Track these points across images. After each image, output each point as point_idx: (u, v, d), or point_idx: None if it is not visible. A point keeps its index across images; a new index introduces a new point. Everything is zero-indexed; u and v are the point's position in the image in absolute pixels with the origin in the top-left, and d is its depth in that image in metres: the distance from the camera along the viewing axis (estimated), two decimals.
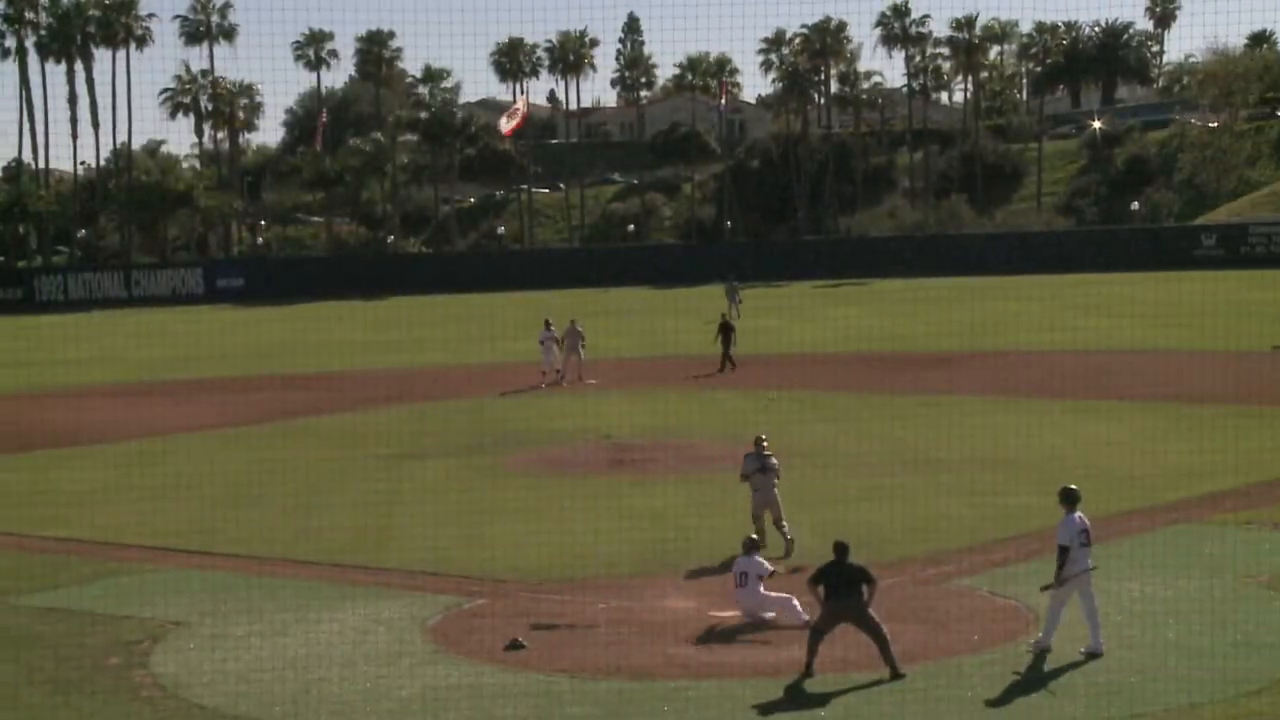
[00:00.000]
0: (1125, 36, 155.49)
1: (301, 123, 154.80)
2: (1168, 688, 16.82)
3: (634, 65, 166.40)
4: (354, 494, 30.27)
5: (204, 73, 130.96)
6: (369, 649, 19.36)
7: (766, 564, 20.40)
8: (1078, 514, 18.34)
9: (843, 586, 17.94)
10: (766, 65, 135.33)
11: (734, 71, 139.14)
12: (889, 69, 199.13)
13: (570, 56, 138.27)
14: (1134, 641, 18.51)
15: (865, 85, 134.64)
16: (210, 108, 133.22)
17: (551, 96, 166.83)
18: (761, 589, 20.05)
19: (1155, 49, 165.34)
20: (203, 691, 17.84)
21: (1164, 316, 52.39)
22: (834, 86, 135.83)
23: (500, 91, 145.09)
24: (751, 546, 20.61)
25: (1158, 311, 53.02)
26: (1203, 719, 15.91)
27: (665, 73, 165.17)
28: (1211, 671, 17.26)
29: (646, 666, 18.23)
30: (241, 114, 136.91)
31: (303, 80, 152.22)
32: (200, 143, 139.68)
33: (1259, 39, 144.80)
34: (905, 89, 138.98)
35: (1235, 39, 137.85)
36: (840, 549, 18.19)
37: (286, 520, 27.48)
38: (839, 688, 17.26)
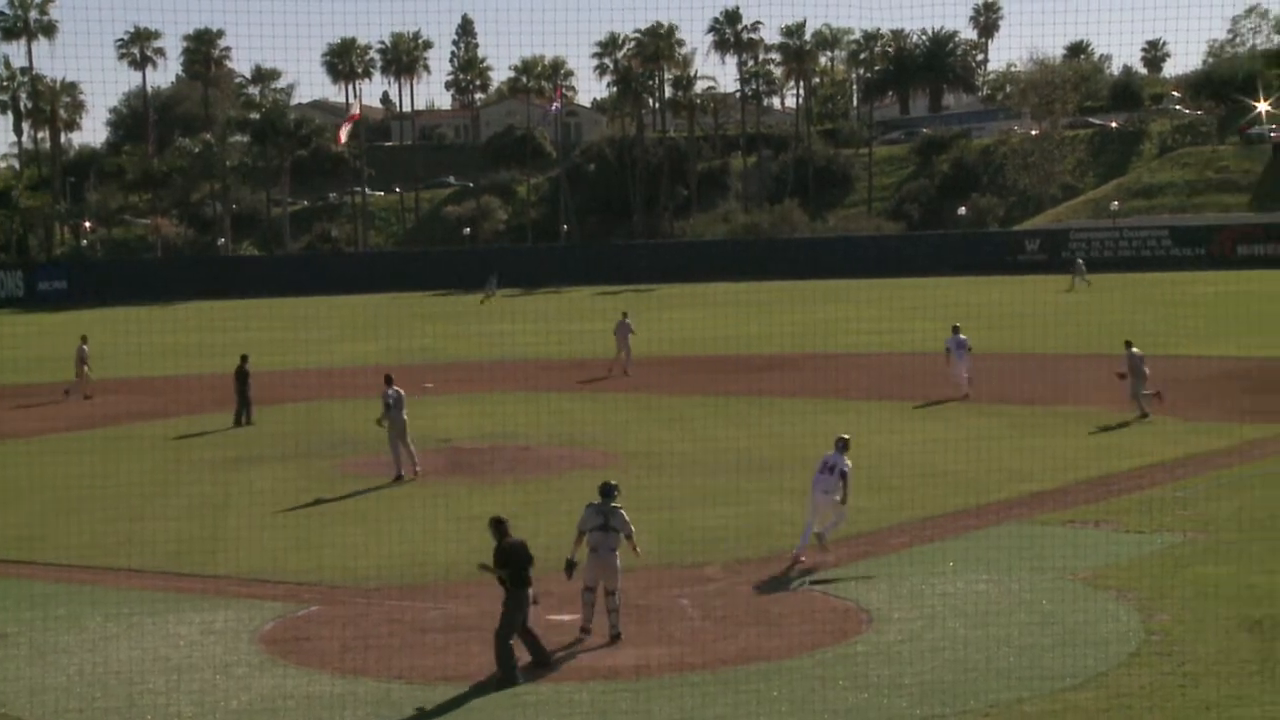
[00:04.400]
0: (951, 45, 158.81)
1: (127, 122, 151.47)
2: (993, 684, 17.18)
3: (468, 68, 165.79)
4: (184, 500, 29.71)
5: (23, 70, 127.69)
6: (199, 658, 19.00)
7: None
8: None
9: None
10: (601, 69, 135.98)
11: (568, 75, 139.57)
12: (722, 74, 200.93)
13: (403, 58, 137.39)
14: (962, 638, 18.89)
15: (699, 90, 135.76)
16: (30, 106, 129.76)
17: (385, 99, 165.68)
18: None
19: (979, 58, 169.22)
20: (23, 705, 17.36)
21: (989, 319, 53.43)
22: (668, 91, 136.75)
23: (333, 93, 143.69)
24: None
25: (983, 314, 53.97)
26: (1026, 714, 16.28)
27: (500, 75, 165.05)
28: (1035, 667, 17.67)
29: (483, 672, 18.16)
30: (63, 113, 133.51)
31: (128, 79, 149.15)
32: (20, 142, 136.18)
33: (1077, 49, 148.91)
34: (738, 94, 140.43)
35: (1055, 49, 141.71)
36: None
37: (113, 527, 26.87)
38: (675, 686, 17.37)
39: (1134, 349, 36.60)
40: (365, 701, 17.21)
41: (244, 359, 40.71)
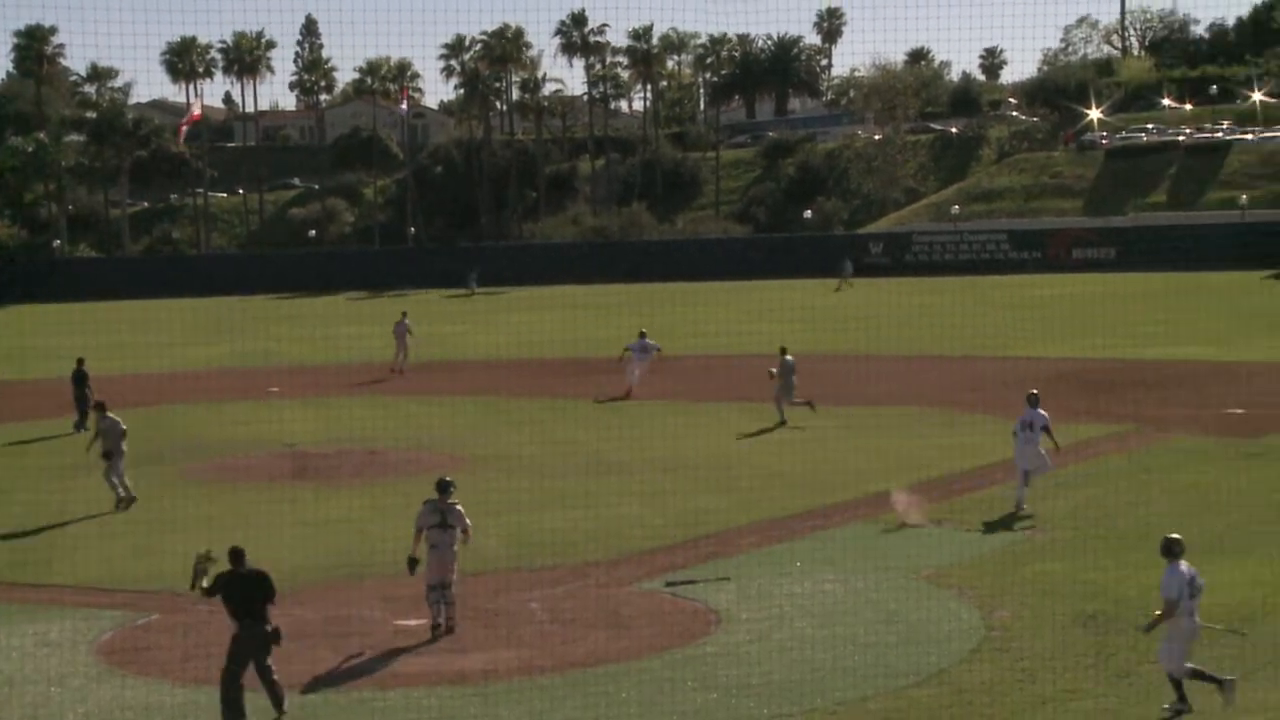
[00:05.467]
0: (796, 50, 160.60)
1: None
2: (839, 682, 17.40)
3: (313, 69, 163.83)
4: (19, 507, 28.94)
5: None
6: (33, 670, 18.53)
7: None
8: (1183, 564, 16.33)
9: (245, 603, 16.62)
10: (448, 71, 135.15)
11: (415, 76, 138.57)
12: (570, 77, 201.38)
13: (246, 58, 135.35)
14: (809, 638, 19.10)
15: (547, 93, 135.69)
16: None
17: (228, 99, 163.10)
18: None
19: (824, 63, 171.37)
20: None
21: (835, 321, 54.23)
22: (516, 94, 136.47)
23: (173, 93, 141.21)
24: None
25: (828, 316, 54.79)
26: (870, 711, 16.52)
27: (345, 77, 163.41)
28: (879, 665, 17.93)
29: (331, 677, 17.96)
30: None
31: None
32: None
33: (918, 55, 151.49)
34: (586, 97, 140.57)
35: (897, 55, 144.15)
36: (236, 555, 16.94)
37: None
38: (523, 690, 17.33)
39: (788, 355, 37.59)
40: (208, 710, 16.91)
41: (80, 361, 39.82)
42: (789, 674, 17.77)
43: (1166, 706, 16.10)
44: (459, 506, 19.93)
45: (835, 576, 22.08)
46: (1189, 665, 16.14)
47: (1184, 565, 16.11)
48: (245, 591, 16.66)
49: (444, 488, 19.92)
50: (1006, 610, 19.99)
